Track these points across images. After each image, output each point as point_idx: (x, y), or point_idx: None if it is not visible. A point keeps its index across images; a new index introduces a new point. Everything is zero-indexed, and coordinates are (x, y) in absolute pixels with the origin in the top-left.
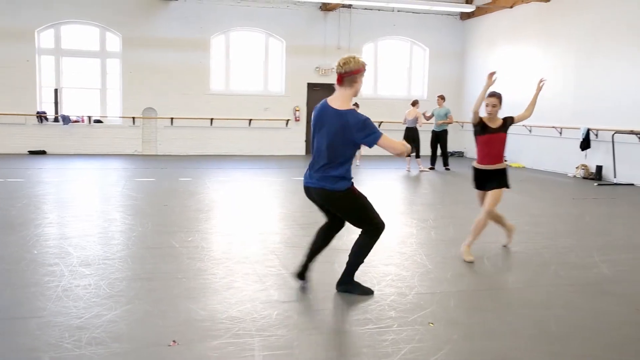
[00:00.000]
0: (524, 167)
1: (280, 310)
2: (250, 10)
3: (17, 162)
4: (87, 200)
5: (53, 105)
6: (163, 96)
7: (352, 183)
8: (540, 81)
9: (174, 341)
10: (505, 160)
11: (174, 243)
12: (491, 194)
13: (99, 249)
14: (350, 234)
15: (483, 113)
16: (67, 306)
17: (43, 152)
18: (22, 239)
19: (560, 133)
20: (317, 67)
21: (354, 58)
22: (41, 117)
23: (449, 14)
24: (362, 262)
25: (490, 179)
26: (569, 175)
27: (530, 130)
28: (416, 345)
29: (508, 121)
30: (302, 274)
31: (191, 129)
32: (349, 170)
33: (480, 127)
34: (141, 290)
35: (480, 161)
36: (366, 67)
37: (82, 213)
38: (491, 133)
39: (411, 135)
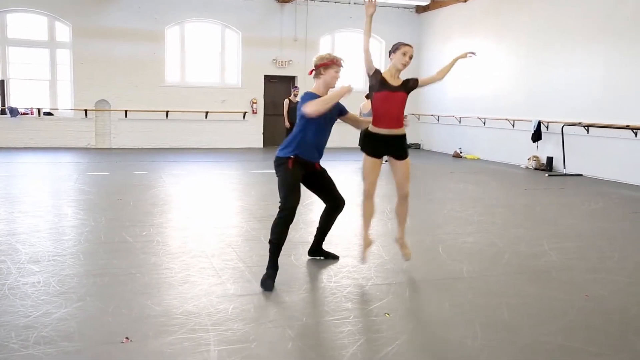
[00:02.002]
0: (478, 159)
1: (237, 304)
2: (205, 1)
3: None
4: (37, 195)
5: (0, 97)
6: (117, 88)
7: (291, 157)
8: (468, 54)
9: (126, 338)
10: (406, 125)
11: (127, 238)
12: (404, 169)
13: (49, 245)
14: (308, 213)
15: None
16: (14, 305)
17: None
18: None
19: (513, 125)
20: (274, 59)
21: (325, 54)
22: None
23: (405, 7)
24: (271, 241)
25: (391, 145)
26: (522, 166)
27: (484, 123)
28: (373, 335)
29: (411, 82)
30: (311, 251)
31: (146, 122)
32: (293, 142)
33: (378, 82)
34: (93, 287)
35: (376, 123)
36: (338, 62)
37: (32, 208)
38: (390, 90)
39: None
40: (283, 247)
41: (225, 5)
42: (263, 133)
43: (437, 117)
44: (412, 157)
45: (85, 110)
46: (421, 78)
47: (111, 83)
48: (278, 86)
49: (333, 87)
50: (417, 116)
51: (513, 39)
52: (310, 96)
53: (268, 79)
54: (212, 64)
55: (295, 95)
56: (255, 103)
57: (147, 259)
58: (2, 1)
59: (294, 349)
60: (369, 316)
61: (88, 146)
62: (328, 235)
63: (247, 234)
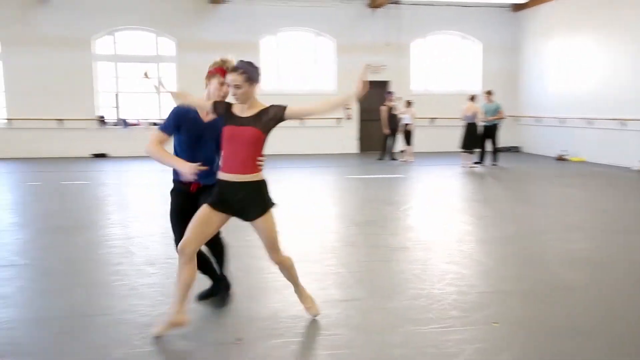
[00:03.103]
0: (585, 161)
1: (340, 309)
2: (298, 10)
3: (81, 165)
4: (147, 201)
5: (113, 109)
6: None
7: (175, 182)
8: (371, 68)
9: (238, 339)
10: (260, 167)
11: (233, 242)
12: (264, 233)
13: (161, 248)
14: (406, 218)
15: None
16: (134, 304)
17: (104, 155)
18: (89, 240)
19: (624, 125)
20: (367, 65)
21: (217, 59)
22: (102, 121)
23: (501, 5)
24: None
25: (232, 198)
26: (633, 168)
27: (590, 123)
28: (481, 345)
29: (271, 112)
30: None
31: None
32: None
33: (226, 115)
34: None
35: (222, 166)
36: (223, 71)
37: (143, 213)
38: (235, 125)
39: (471, 131)
40: (380, 253)
41: (318, 13)
42: (359, 139)
43: (537, 119)
44: (510, 161)
45: None
46: (291, 108)
47: None
48: (372, 92)
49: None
50: (516, 118)
51: (619, 35)
52: (171, 115)
53: None
54: (307, 71)
55: (390, 101)
56: (350, 109)
57: (252, 263)
58: (113, 22)
59: (399, 356)
60: (476, 325)
61: None
62: (427, 240)
63: (346, 240)
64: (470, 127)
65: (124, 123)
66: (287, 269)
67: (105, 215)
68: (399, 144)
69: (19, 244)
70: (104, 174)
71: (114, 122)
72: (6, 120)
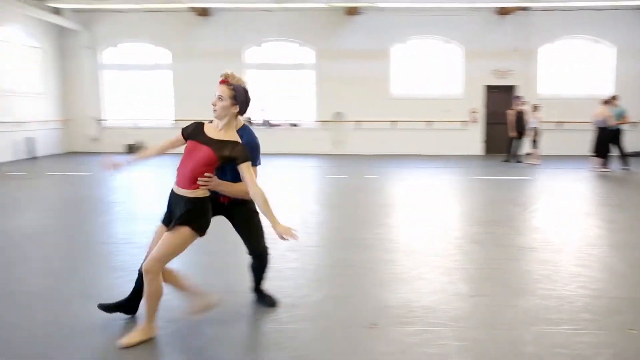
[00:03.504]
0: None
1: (470, 304)
2: (428, 19)
3: None
4: (287, 193)
5: (259, 112)
6: (350, 102)
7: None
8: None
9: (373, 324)
10: (203, 185)
11: (364, 234)
12: (166, 237)
13: (302, 236)
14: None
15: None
16: (280, 285)
17: None
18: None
19: None
20: (494, 70)
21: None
22: (249, 122)
23: (637, 7)
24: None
25: (180, 210)
26: None
27: None
28: (618, 350)
29: (233, 150)
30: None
31: (375, 131)
32: None
33: (194, 131)
34: (339, 276)
35: (176, 179)
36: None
37: (285, 204)
38: (198, 141)
39: (602, 135)
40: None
41: (447, 21)
42: (485, 141)
43: None
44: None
45: (325, 121)
46: (246, 170)
47: (346, 97)
48: (498, 96)
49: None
50: None
51: None
52: (256, 148)
53: (489, 89)
54: (435, 76)
55: (518, 105)
56: (476, 112)
57: (382, 255)
58: (261, 34)
59: (530, 354)
60: (610, 330)
61: (326, 152)
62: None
63: (472, 237)
64: (601, 132)
65: (267, 124)
66: (147, 283)
67: None
68: (525, 146)
69: None
70: None
71: (259, 123)
72: (174, 121)
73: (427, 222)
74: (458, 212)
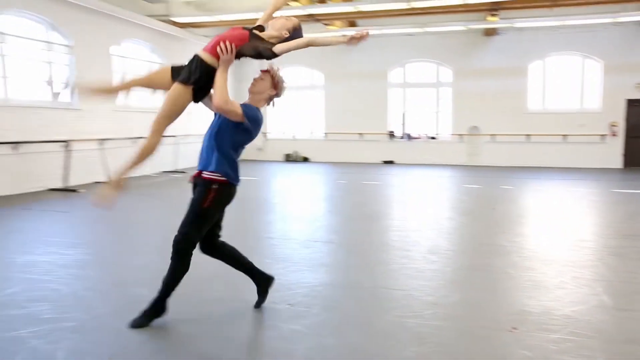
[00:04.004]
0: None
1: (616, 317)
2: (568, 36)
3: (374, 169)
4: (425, 200)
5: (400, 126)
6: (485, 116)
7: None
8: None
9: (514, 328)
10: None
11: (502, 241)
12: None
13: (441, 240)
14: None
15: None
16: (422, 284)
17: (392, 162)
18: (383, 227)
19: None
20: (637, 83)
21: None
22: (391, 135)
23: None
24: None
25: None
26: None
27: None
28: None
29: (265, 49)
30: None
31: (509, 144)
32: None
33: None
34: (478, 280)
35: None
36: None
37: (422, 210)
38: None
39: None
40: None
41: (587, 37)
42: (624, 155)
43: None
44: None
45: (461, 135)
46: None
47: (481, 112)
48: (639, 109)
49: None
50: None
51: None
52: (255, 116)
53: (630, 102)
54: (572, 91)
55: None
56: (616, 126)
57: (521, 262)
58: (404, 55)
59: None
60: None
61: (461, 163)
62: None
63: (613, 250)
64: None
65: (408, 136)
66: (147, 137)
67: (392, 209)
68: None
69: (333, 226)
70: (392, 176)
71: (400, 136)
72: (324, 134)
73: (565, 233)
74: (597, 224)
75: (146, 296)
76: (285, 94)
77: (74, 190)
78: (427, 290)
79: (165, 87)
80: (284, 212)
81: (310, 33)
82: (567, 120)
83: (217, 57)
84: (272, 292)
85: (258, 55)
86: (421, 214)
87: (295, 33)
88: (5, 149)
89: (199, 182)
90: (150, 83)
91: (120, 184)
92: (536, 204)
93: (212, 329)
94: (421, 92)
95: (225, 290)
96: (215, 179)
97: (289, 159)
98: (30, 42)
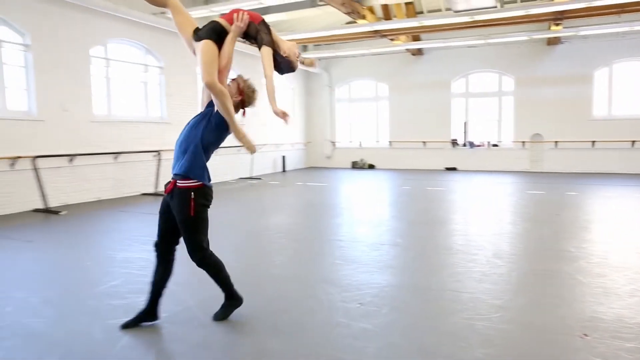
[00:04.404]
0: None
1: None
2: (633, 41)
3: (437, 176)
4: (488, 206)
5: (462, 134)
6: (548, 123)
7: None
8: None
9: (585, 334)
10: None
11: (569, 248)
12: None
13: (506, 245)
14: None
15: None
16: (488, 288)
17: (454, 169)
18: (446, 232)
19: None
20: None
21: None
22: (454, 143)
23: None
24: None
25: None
26: None
27: None
28: None
29: (264, 36)
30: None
31: (573, 150)
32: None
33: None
34: (546, 284)
35: None
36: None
37: (484, 215)
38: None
39: None
40: None
41: None
42: None
43: None
44: None
45: (523, 142)
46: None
47: (544, 119)
48: None
49: None
50: None
51: None
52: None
53: None
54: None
55: None
56: None
57: (590, 268)
58: (467, 67)
59: None
60: None
61: (524, 170)
62: None
63: None
64: None
65: (471, 144)
66: (216, 93)
67: (456, 214)
68: None
69: (398, 230)
70: (455, 183)
71: (462, 144)
72: (389, 142)
73: (636, 240)
74: None
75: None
76: (347, 106)
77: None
78: (493, 294)
79: (186, 35)
80: (352, 216)
81: (376, 48)
82: (635, 126)
83: (231, 24)
84: (343, 292)
85: (254, 38)
86: (484, 219)
87: (288, 62)
88: (108, 158)
89: (174, 192)
90: (182, 21)
91: (239, 130)
92: (603, 211)
93: (286, 322)
94: (483, 101)
95: (300, 289)
96: (191, 186)
97: (355, 166)
98: (130, 65)
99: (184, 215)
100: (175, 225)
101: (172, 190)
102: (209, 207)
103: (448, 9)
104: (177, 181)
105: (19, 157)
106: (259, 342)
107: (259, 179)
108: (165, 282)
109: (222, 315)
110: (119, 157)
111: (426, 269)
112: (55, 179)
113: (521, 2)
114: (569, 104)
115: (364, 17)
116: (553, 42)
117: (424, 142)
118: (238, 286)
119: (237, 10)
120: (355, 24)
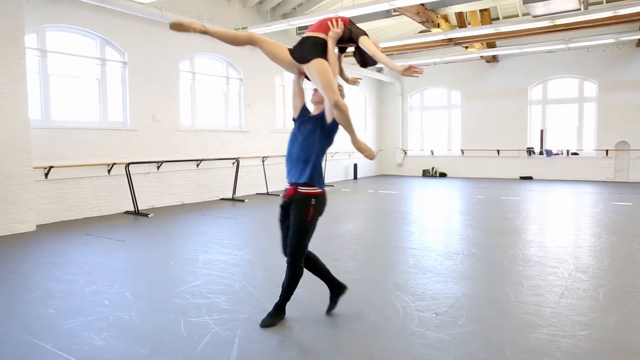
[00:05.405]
0: None
1: None
2: None
3: (512, 185)
4: (568, 217)
5: (539, 142)
6: (636, 131)
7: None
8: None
9: None
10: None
11: None
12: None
13: (590, 259)
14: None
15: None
16: (572, 304)
17: (530, 178)
18: (523, 242)
19: None
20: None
21: None
22: (530, 151)
23: None
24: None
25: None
26: None
27: None
28: None
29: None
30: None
31: None
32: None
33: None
34: (633, 303)
35: None
36: None
37: (565, 226)
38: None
39: None
40: None
41: None
42: None
43: None
44: None
45: (606, 150)
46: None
47: (631, 127)
48: None
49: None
50: None
51: None
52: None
53: None
54: None
55: None
56: None
57: None
58: (546, 72)
59: None
60: None
61: (607, 180)
62: None
63: None
64: None
65: (548, 153)
66: (339, 110)
67: (533, 225)
68: None
69: (472, 239)
70: (531, 192)
71: (539, 152)
72: (461, 151)
73: None
74: None
75: (302, 295)
76: (419, 114)
77: (241, 201)
78: (578, 310)
79: (284, 60)
80: (423, 224)
81: (449, 56)
82: None
83: (325, 33)
84: (418, 300)
85: (349, 39)
86: (564, 230)
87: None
88: (191, 165)
89: (295, 197)
90: (272, 49)
91: (359, 141)
92: None
93: (363, 326)
94: (562, 108)
95: (375, 295)
96: (312, 193)
97: (426, 174)
98: (213, 77)
99: (300, 219)
100: None
101: (293, 196)
102: (322, 215)
103: (525, 14)
104: (299, 187)
105: (115, 164)
106: (336, 343)
107: (332, 186)
108: (325, 269)
109: (268, 322)
110: (201, 164)
111: (503, 280)
112: (144, 184)
113: (607, 2)
114: None
115: (438, 26)
116: None
117: (497, 150)
118: (314, 289)
119: (327, 20)
120: (428, 33)
